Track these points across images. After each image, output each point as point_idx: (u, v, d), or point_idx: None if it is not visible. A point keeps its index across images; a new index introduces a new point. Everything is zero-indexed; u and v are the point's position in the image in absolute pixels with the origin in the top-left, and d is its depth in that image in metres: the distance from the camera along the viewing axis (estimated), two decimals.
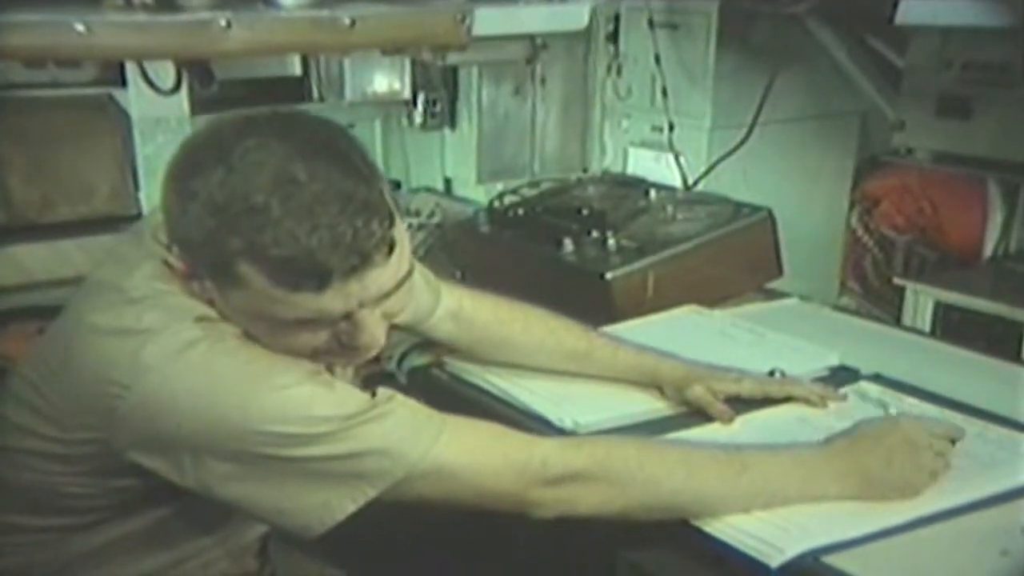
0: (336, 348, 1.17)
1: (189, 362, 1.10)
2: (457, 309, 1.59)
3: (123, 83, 2.29)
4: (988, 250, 2.56)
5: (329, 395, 1.14)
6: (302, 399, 1.11)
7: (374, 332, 1.16)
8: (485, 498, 1.19)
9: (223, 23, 1.73)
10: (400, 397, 1.18)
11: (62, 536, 1.25)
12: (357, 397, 1.15)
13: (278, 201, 1.06)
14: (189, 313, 1.14)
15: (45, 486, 1.21)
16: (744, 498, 1.24)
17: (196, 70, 2.11)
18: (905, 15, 2.02)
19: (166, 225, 1.16)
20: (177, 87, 2.15)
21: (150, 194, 2.36)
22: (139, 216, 2.36)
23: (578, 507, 1.21)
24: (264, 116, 1.15)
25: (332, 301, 1.11)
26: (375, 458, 1.12)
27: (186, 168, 1.11)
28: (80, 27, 1.62)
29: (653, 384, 1.56)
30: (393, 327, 1.25)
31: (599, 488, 1.21)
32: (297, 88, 2.59)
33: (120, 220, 2.33)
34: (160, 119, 2.33)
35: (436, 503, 1.18)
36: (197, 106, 2.36)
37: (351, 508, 1.13)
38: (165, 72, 2.12)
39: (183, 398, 1.09)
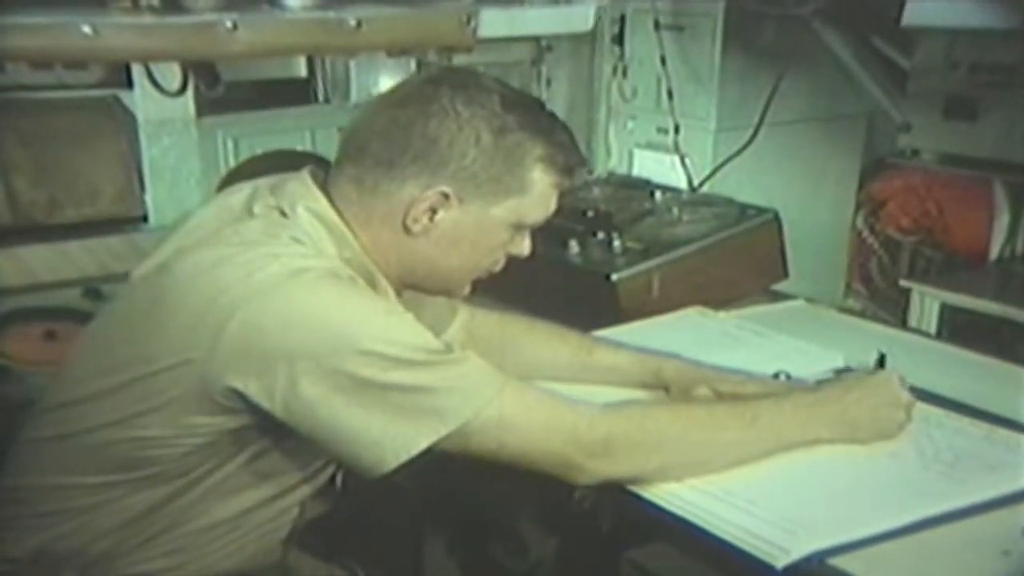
0: (494, 265, 1.38)
1: (299, 284, 1.17)
2: (468, 320, 1.60)
3: (129, 85, 2.30)
4: (994, 252, 2.56)
5: (420, 329, 1.23)
6: (402, 326, 1.21)
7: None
8: (534, 455, 1.24)
9: (229, 25, 1.73)
10: (469, 351, 1.25)
11: (123, 495, 1.25)
12: (437, 340, 1.24)
13: (547, 116, 1.31)
14: (299, 252, 1.22)
15: (113, 438, 1.22)
16: (757, 446, 1.32)
17: (202, 72, 2.11)
18: (912, 17, 2.01)
19: (424, 162, 1.25)
20: (183, 89, 2.15)
21: (156, 196, 2.37)
22: (144, 218, 2.37)
23: (618, 469, 1.26)
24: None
25: (554, 201, 1.34)
26: (451, 396, 1.19)
27: (440, 106, 1.25)
28: (86, 29, 1.62)
29: (659, 385, 1.55)
30: None
31: (636, 449, 1.27)
32: (303, 90, 2.60)
33: (125, 222, 2.34)
34: (166, 121, 2.34)
35: (488, 456, 1.22)
36: (203, 108, 2.37)
37: (424, 444, 1.17)
38: (171, 74, 2.13)
39: (291, 314, 1.15)
